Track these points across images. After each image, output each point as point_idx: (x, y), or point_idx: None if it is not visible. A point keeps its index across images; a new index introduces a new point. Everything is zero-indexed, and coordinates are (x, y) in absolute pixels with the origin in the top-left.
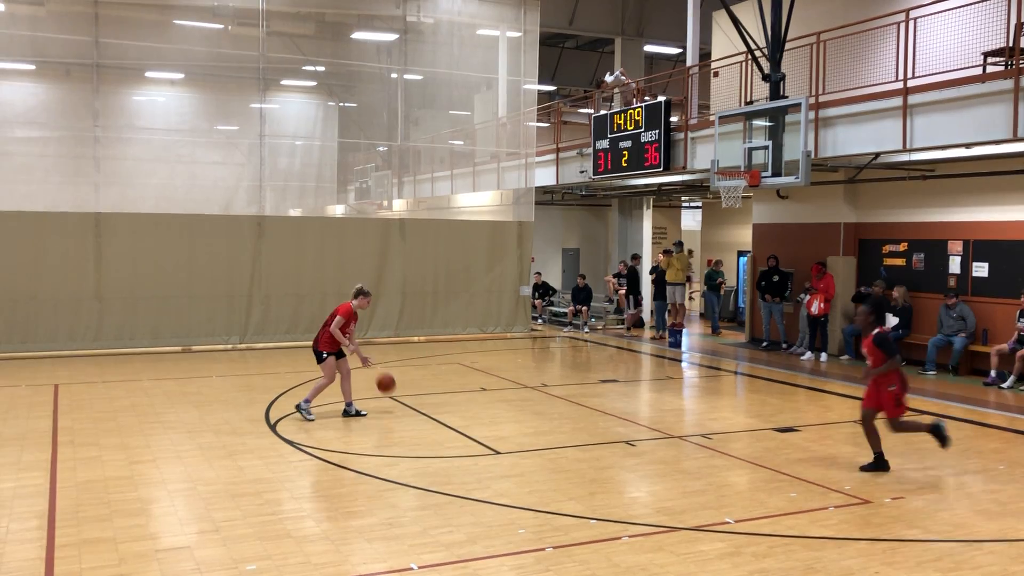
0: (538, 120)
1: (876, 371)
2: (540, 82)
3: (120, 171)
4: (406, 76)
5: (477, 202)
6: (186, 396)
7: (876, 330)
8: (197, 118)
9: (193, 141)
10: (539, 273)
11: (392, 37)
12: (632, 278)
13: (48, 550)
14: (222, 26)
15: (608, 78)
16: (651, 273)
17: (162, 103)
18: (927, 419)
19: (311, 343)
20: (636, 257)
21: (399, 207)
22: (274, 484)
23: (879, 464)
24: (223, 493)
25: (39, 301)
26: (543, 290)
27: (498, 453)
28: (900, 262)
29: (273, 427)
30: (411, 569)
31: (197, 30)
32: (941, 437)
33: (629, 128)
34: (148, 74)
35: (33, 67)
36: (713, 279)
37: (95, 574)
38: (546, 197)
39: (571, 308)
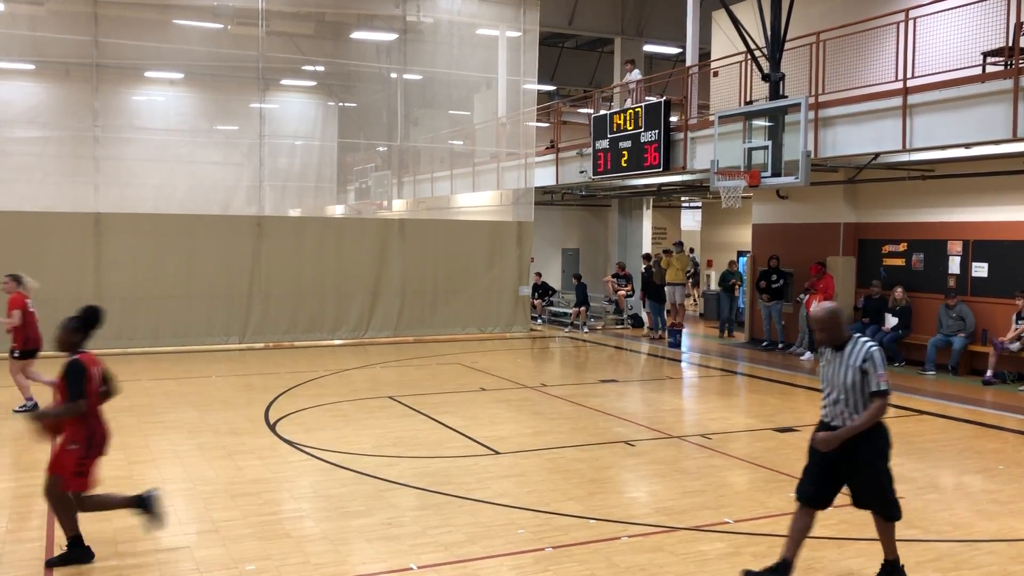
0: (538, 120)
1: (50, 413)
2: (540, 82)
3: (120, 171)
4: (406, 76)
5: (477, 202)
6: (185, 396)
7: (74, 356)
8: (197, 118)
9: (193, 141)
10: (539, 273)
11: (392, 37)
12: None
13: (48, 550)
14: (222, 26)
15: (629, 75)
16: (644, 272)
17: (162, 103)
18: (131, 493)
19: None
20: (647, 257)
21: (399, 207)
22: (273, 484)
23: (76, 554)
24: (222, 493)
25: (38, 301)
26: (543, 290)
27: (497, 453)
28: (900, 262)
29: (272, 427)
30: (410, 569)
31: (197, 30)
32: (150, 511)
33: (629, 128)
34: (148, 74)
35: (33, 67)
36: (727, 280)
37: (94, 574)
38: (546, 197)
39: (575, 309)
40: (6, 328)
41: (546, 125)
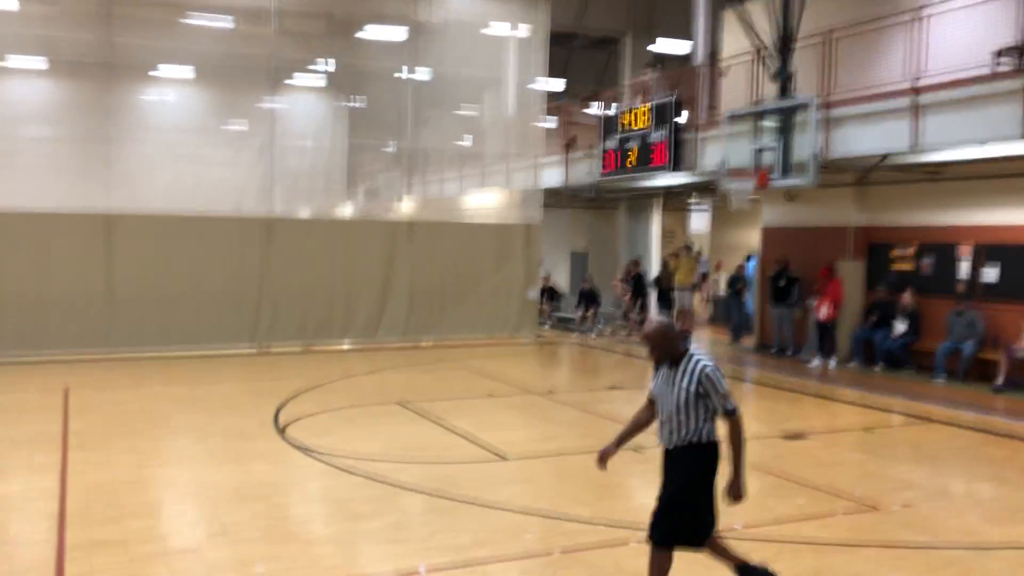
0: (547, 120)
1: None
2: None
3: (130, 171)
4: (416, 75)
5: (485, 204)
6: (195, 400)
7: None
8: (207, 117)
9: (203, 140)
10: (546, 276)
11: (402, 36)
12: (637, 282)
13: (59, 551)
14: (233, 25)
15: (647, 75)
16: (654, 281)
17: (173, 102)
18: None
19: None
20: (636, 263)
21: (407, 209)
22: (282, 488)
23: None
24: (231, 496)
25: (49, 304)
26: (550, 294)
27: (506, 458)
28: (909, 266)
29: (282, 431)
30: (418, 572)
31: (208, 29)
32: None
33: (637, 128)
34: (159, 73)
35: (45, 65)
36: (733, 284)
37: (105, 575)
38: (554, 200)
39: (580, 312)
40: None
41: (554, 125)
